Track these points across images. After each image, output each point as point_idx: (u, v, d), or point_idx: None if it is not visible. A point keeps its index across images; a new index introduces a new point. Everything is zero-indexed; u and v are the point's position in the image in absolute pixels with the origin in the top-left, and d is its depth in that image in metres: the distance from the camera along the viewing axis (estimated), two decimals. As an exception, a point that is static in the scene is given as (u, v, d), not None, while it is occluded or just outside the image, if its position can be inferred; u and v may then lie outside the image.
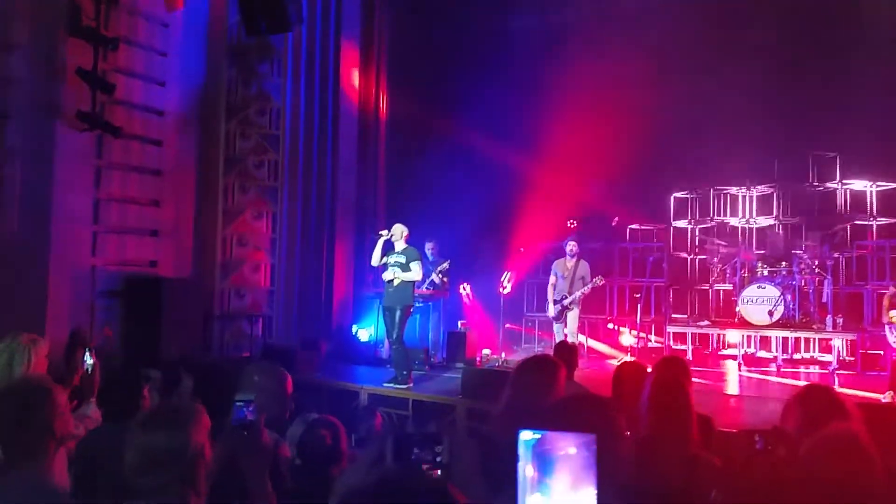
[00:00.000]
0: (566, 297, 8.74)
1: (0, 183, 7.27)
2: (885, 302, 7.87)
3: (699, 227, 11.31)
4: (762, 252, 10.17)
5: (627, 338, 10.40)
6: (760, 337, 9.76)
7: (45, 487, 2.35)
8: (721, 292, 10.77)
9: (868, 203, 10.19)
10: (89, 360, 3.77)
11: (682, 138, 10.38)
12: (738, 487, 2.34)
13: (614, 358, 9.80)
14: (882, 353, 8.60)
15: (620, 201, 11.30)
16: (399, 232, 7.68)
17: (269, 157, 10.01)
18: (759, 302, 9.17)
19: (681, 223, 11.45)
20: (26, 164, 7.38)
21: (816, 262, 9.51)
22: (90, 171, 7.95)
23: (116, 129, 7.79)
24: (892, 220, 10.05)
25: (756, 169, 10.59)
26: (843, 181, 10.19)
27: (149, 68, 8.59)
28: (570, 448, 1.42)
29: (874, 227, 10.17)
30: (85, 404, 3.65)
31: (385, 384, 7.45)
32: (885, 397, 6.70)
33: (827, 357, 9.10)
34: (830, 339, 8.93)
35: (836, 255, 9.73)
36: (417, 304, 8.73)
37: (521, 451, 1.42)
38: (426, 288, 9.15)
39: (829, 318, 8.97)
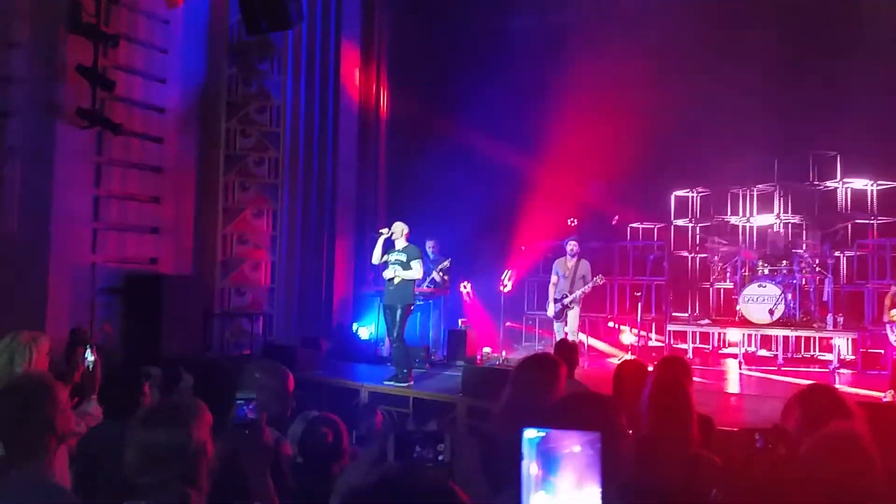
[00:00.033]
0: (567, 296, 8.75)
1: (0, 182, 7.27)
2: (887, 301, 7.89)
3: (700, 225, 11.31)
4: (763, 251, 10.17)
5: (628, 336, 10.40)
6: (761, 336, 9.77)
7: (47, 484, 2.33)
8: (722, 291, 10.77)
9: (869, 202, 10.19)
10: (90, 356, 3.74)
11: (682, 138, 10.37)
12: (739, 486, 2.34)
13: (615, 356, 9.81)
14: (883, 351, 8.62)
15: (621, 200, 11.31)
16: (399, 230, 7.68)
17: (270, 154, 10.00)
18: (760, 301, 9.18)
19: (681, 222, 11.45)
20: (26, 162, 7.39)
21: (817, 261, 9.52)
22: (90, 168, 7.95)
23: (116, 126, 7.79)
24: (892, 219, 10.03)
25: (756, 168, 10.58)
26: (844, 180, 10.19)
27: (149, 65, 8.58)
28: (574, 446, 1.40)
29: (875, 225, 10.16)
30: (86, 401, 3.62)
31: (386, 382, 7.46)
32: (886, 396, 6.70)
33: (827, 356, 9.11)
34: (831, 338, 8.95)
35: (836, 253, 9.73)
36: (418, 303, 8.72)
37: (526, 449, 1.41)
38: (427, 286, 9.14)
39: (829, 317, 8.99)
